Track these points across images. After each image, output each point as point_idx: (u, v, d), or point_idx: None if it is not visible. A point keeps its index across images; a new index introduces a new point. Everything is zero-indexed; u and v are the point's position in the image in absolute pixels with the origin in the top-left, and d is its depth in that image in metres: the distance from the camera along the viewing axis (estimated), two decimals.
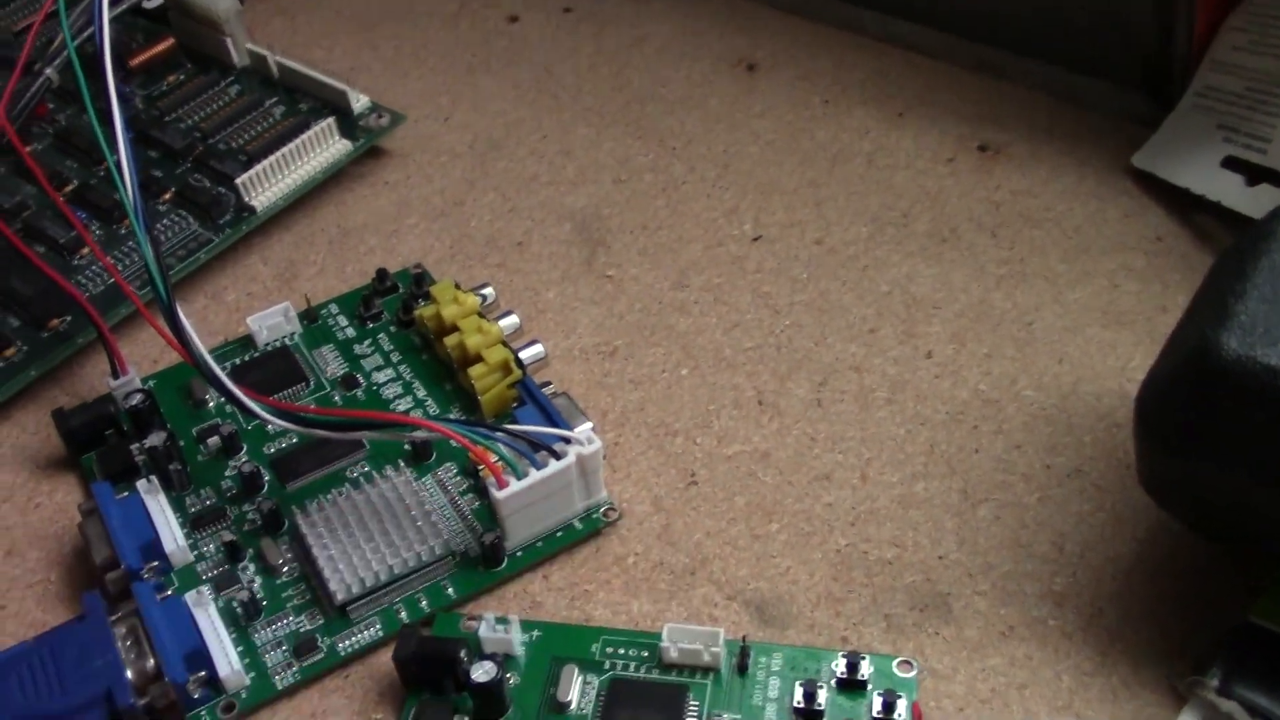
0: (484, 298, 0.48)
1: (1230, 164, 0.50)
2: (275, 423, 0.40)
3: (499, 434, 0.40)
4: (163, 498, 0.43)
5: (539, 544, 0.42)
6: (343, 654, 0.40)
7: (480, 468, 0.41)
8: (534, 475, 0.40)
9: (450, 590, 0.41)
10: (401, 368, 0.48)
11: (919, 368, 0.47)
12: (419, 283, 0.50)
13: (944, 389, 0.46)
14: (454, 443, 0.40)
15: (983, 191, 0.54)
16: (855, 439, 0.45)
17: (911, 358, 0.48)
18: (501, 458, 0.40)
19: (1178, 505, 0.37)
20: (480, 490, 0.43)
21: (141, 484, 0.44)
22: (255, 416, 0.40)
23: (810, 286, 0.51)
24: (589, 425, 0.43)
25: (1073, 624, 0.39)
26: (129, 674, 0.38)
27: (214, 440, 0.46)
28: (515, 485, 0.40)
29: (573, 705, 0.37)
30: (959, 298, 0.50)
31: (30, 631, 0.42)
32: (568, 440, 0.41)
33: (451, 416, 0.46)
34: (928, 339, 0.48)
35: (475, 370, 0.45)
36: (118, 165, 0.40)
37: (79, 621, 0.40)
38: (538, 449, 0.41)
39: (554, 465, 0.40)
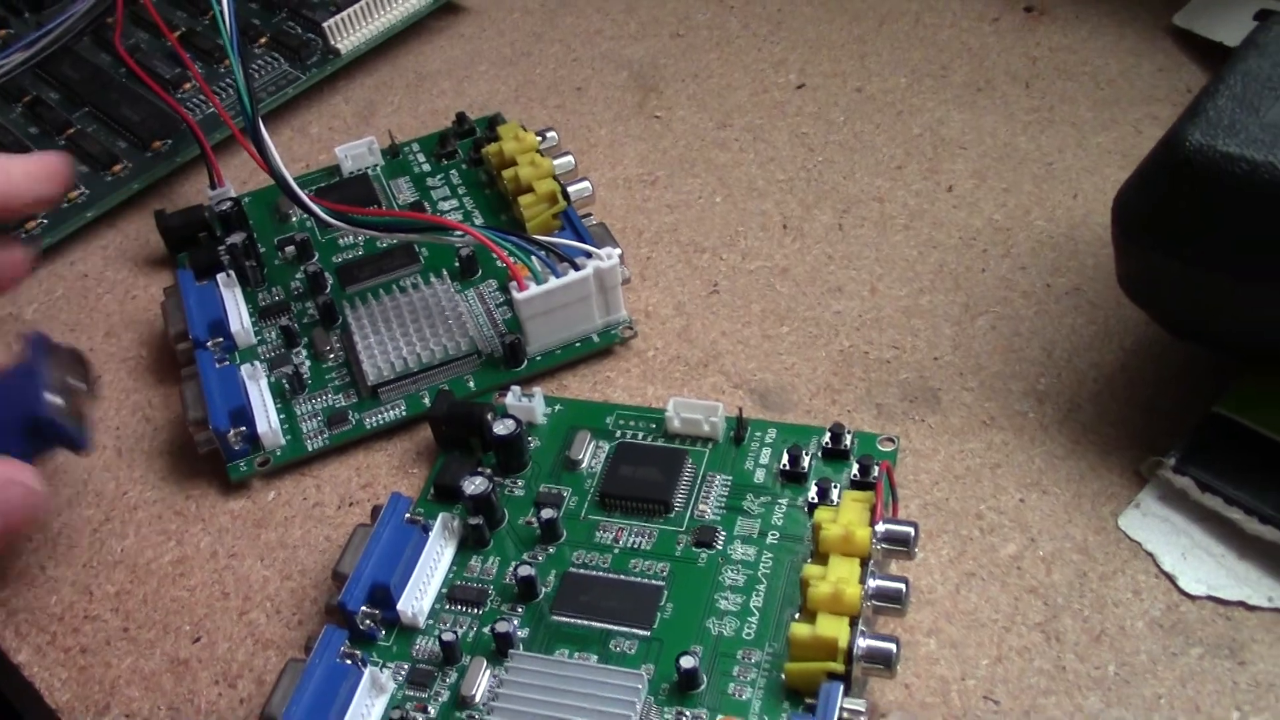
0: (544, 138, 0.52)
1: (1260, 17, 0.52)
2: (326, 220, 0.45)
3: (524, 243, 0.44)
4: (238, 290, 0.49)
5: (558, 351, 0.46)
6: (369, 428, 0.44)
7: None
8: (553, 282, 0.44)
9: (471, 384, 0.45)
10: (465, 199, 0.52)
11: (938, 199, 0.50)
12: (492, 126, 0.54)
13: (960, 218, 0.49)
14: (484, 247, 0.44)
15: (1022, 48, 0.56)
16: (870, 258, 0.48)
17: (933, 191, 0.50)
18: (527, 267, 0.44)
19: (1148, 299, 0.40)
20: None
21: (221, 276, 0.49)
22: (307, 210, 0.45)
23: (845, 128, 0.54)
24: (616, 250, 0.46)
25: (1050, 417, 0.42)
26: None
27: (290, 249, 0.51)
28: (534, 289, 0.44)
29: (583, 464, 0.42)
30: (985, 140, 0.52)
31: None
32: (589, 255, 0.45)
33: (484, 224, 0.50)
34: (951, 175, 0.51)
35: (525, 199, 0.49)
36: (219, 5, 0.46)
37: None
38: (563, 263, 0.45)
39: (573, 275, 0.44)
